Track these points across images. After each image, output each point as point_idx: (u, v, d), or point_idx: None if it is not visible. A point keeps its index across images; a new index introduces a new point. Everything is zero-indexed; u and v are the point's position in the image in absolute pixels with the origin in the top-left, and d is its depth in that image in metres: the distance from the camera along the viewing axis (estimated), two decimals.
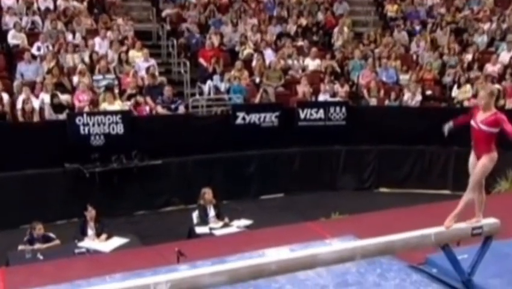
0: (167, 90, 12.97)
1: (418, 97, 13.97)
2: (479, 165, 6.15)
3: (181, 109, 13.07)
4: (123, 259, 8.13)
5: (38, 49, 14.25)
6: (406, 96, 13.98)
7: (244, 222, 9.87)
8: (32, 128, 11.87)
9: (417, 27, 17.36)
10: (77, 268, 7.69)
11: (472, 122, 6.17)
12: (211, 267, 5.63)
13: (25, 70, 13.44)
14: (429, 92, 14.36)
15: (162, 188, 12.21)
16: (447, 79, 15.01)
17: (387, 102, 14.18)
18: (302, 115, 13.33)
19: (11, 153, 11.36)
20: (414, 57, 16.13)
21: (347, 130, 13.36)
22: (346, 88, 14.42)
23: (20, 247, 8.86)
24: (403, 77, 14.96)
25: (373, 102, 14.19)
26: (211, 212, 9.92)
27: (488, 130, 6.04)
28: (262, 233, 8.95)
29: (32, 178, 11.57)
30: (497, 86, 6.20)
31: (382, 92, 14.37)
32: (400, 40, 16.71)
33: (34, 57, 13.85)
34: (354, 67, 15.25)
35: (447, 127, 6.43)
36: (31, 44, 14.35)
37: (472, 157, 6.29)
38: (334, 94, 14.14)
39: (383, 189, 13.50)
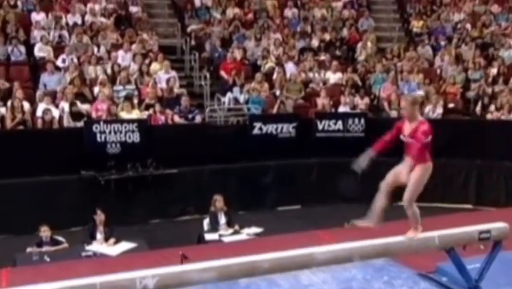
0: (185, 100, 13.03)
1: (440, 110, 13.72)
2: (413, 177, 5.79)
3: (198, 119, 13.08)
4: (127, 261, 8.11)
5: (63, 61, 14.49)
6: (427, 108, 13.73)
7: (255, 230, 9.82)
8: (50, 135, 12.03)
9: (442, 43, 17.14)
10: (80, 270, 7.69)
11: (401, 136, 5.87)
12: (200, 263, 5.51)
13: (48, 80, 13.68)
14: (451, 105, 14.10)
15: (177, 197, 12.17)
16: (471, 94, 14.74)
17: None
18: (320, 127, 13.21)
19: (29, 159, 11.48)
20: (438, 71, 15.90)
21: (366, 142, 13.04)
22: (366, 100, 14.28)
23: (28, 250, 8.93)
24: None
25: (394, 114, 13.99)
26: (222, 220, 9.89)
27: (418, 143, 5.69)
28: (270, 240, 8.85)
29: (49, 184, 11.68)
30: (420, 92, 5.96)
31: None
32: (424, 54, 16.51)
33: (57, 68, 14.10)
34: (376, 81, 15.10)
35: (364, 160, 5.90)
36: (56, 57, 14.62)
37: (401, 166, 5.92)
38: (354, 107, 14.00)
39: (402, 203, 13.16)
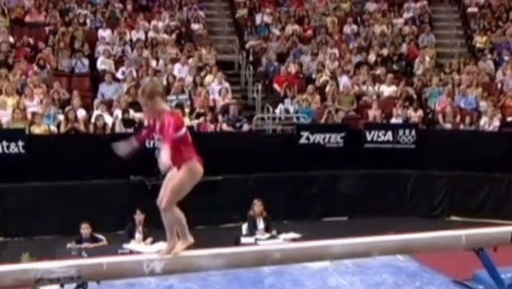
0: (233, 108, 13.13)
1: (496, 123, 13.21)
2: (173, 178, 4.87)
3: (245, 128, 13.14)
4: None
5: (123, 73, 14.99)
6: (483, 120, 13.27)
7: (292, 235, 9.72)
8: (101, 140, 12.29)
9: (506, 58, 16.56)
10: None
11: (156, 138, 5.10)
12: (210, 250, 5.50)
13: (106, 90, 14.17)
14: (510, 119, 13.55)
15: (221, 204, 12.15)
16: None
17: (461, 127, 13.54)
18: (368, 137, 12.98)
19: (80, 163, 11.83)
20: (499, 85, 15.36)
21: (416, 154, 12.83)
22: (420, 113, 13.94)
23: (68, 246, 9.21)
24: (483, 104, 14.22)
25: (448, 127, 13.59)
26: (260, 224, 9.89)
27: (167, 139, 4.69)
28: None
29: (99, 188, 11.98)
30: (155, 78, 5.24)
31: (458, 117, 13.74)
32: (485, 68, 16.01)
33: (116, 80, 14.59)
34: (432, 94, 14.75)
35: (126, 147, 5.10)
36: (117, 69, 15.13)
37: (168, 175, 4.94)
38: (406, 120, 13.71)
39: (454, 218, 12.74)
